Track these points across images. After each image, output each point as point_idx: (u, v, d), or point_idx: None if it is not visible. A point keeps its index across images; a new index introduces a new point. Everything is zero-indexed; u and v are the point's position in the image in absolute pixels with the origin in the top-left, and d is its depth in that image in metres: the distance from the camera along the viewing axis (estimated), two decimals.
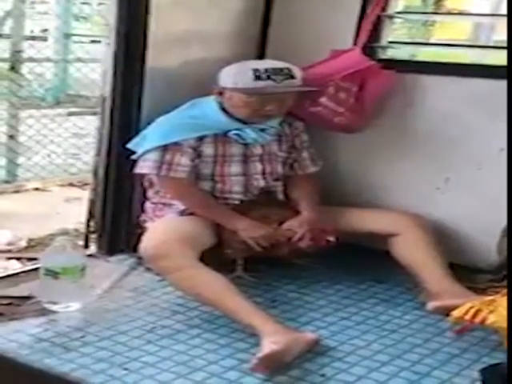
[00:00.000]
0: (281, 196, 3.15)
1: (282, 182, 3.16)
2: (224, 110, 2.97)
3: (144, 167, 2.96)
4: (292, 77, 2.93)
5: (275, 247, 2.93)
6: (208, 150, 2.97)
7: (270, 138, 3.06)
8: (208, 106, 3.00)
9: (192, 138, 2.94)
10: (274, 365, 2.28)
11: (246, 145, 3.02)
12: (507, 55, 2.70)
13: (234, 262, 3.01)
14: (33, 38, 6.81)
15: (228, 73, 2.95)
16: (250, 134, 2.98)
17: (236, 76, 2.92)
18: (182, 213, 2.96)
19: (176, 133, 2.93)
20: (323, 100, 3.15)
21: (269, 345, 2.32)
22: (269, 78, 2.88)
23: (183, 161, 2.92)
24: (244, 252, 2.95)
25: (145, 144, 2.97)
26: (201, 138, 2.96)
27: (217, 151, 2.99)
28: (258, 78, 2.88)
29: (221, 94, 2.96)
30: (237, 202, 3.01)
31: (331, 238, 2.92)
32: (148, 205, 3.11)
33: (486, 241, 3.09)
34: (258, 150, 3.05)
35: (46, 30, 7.77)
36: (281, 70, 2.91)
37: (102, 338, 2.48)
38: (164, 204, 3.03)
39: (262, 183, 3.06)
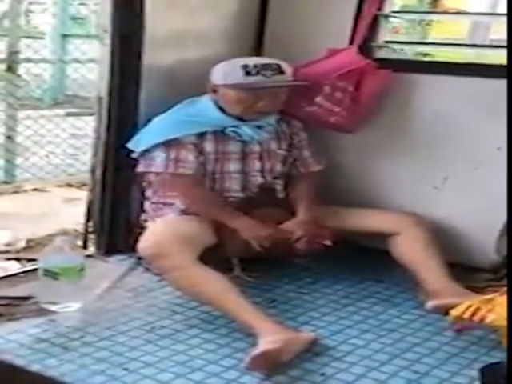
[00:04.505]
0: (281, 194, 3.15)
1: (284, 180, 3.16)
2: (220, 107, 2.99)
3: (150, 166, 2.96)
4: (282, 72, 2.95)
5: (274, 247, 2.93)
6: (209, 147, 2.99)
7: (268, 136, 3.07)
8: (204, 104, 3.02)
9: (191, 134, 2.95)
10: (269, 364, 2.27)
11: (244, 142, 3.03)
12: (507, 55, 2.71)
13: (232, 262, 3.01)
14: (29, 38, 6.80)
15: (219, 70, 2.98)
16: (246, 130, 2.99)
17: (226, 72, 2.95)
18: (182, 212, 2.96)
19: (175, 129, 2.95)
20: (319, 99, 3.16)
21: (264, 344, 2.32)
22: (258, 73, 2.91)
23: (189, 157, 2.93)
24: (243, 252, 2.95)
25: (143, 142, 2.98)
26: (202, 135, 2.97)
27: (217, 148, 3.00)
28: (247, 73, 2.90)
29: (215, 91, 2.98)
30: (235, 200, 3.02)
31: (327, 243, 2.92)
32: (148, 204, 3.11)
33: (484, 240, 3.10)
34: (256, 148, 3.06)
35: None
36: (270, 65, 2.94)
37: (101, 338, 2.47)
38: (164, 203, 3.03)
39: (259, 180, 3.07)
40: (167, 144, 2.92)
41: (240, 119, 2.99)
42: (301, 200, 3.08)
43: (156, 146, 2.93)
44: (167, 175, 2.94)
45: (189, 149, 2.93)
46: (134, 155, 3.02)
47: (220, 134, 3.00)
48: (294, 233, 2.93)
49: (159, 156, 2.92)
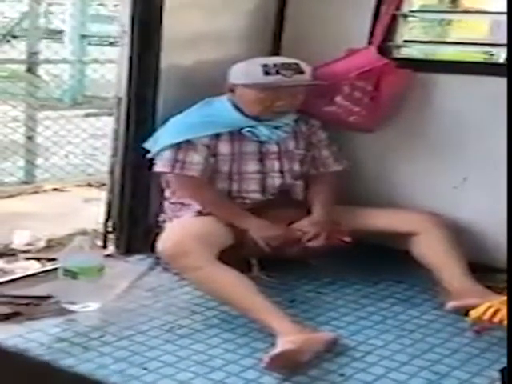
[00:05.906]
0: (300, 196, 3.14)
1: (303, 180, 3.15)
2: (237, 107, 2.99)
3: (159, 166, 2.98)
4: (301, 72, 2.95)
5: (286, 247, 2.92)
6: (224, 148, 2.99)
7: (285, 136, 3.07)
8: (221, 105, 3.02)
9: (205, 135, 2.95)
10: (287, 364, 2.27)
11: (261, 142, 3.02)
12: (507, 55, 2.69)
13: (250, 262, 3.01)
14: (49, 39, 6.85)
15: (238, 69, 2.98)
16: (263, 131, 2.99)
17: (246, 72, 2.95)
18: (200, 213, 2.96)
19: (189, 131, 2.95)
20: (338, 99, 3.15)
21: (283, 343, 2.32)
22: (278, 72, 2.90)
23: (196, 159, 2.93)
24: (261, 252, 2.95)
25: (158, 143, 2.99)
26: (216, 136, 2.97)
27: (233, 149, 3.00)
28: (267, 73, 2.90)
29: (232, 91, 2.98)
30: (254, 201, 3.01)
31: (346, 239, 2.92)
32: (166, 205, 3.12)
33: (504, 240, 3.07)
34: (273, 148, 3.05)
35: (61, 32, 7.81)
36: (289, 65, 2.93)
37: (120, 337, 2.48)
38: (182, 204, 3.03)
39: (278, 181, 3.06)
40: (178, 145, 2.92)
41: (257, 119, 2.99)
42: (317, 199, 3.07)
43: (168, 147, 2.93)
44: (175, 176, 2.96)
45: (198, 150, 2.93)
46: (148, 155, 3.03)
47: (236, 135, 3.00)
48: (307, 232, 2.93)
49: (168, 157, 2.93)
